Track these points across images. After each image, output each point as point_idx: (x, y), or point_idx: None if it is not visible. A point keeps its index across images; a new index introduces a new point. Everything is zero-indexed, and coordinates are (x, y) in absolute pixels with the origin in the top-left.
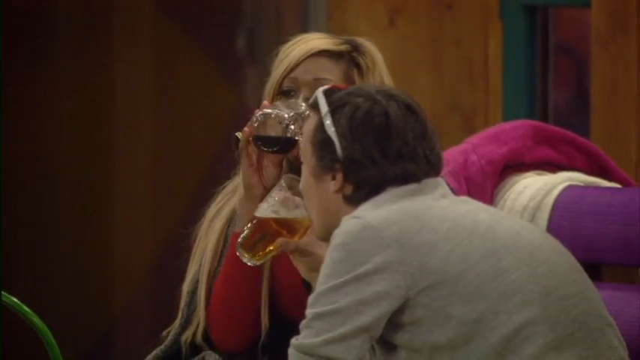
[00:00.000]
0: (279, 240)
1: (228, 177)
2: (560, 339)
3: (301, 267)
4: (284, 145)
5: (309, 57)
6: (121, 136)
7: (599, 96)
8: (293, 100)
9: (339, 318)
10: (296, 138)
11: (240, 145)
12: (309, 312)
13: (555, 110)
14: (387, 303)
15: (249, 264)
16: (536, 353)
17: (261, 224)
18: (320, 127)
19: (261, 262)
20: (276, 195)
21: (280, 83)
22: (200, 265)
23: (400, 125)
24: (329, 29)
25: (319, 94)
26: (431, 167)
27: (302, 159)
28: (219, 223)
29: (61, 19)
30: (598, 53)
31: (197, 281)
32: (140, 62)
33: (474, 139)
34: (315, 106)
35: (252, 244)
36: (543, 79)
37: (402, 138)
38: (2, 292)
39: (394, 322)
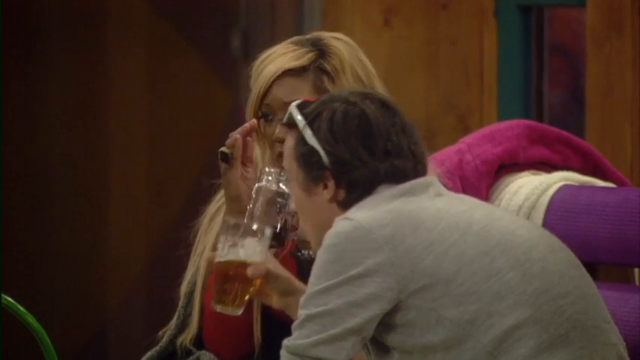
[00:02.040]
0: (249, 269)
1: None
2: (552, 339)
3: (274, 295)
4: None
5: (274, 81)
6: (116, 135)
7: (594, 96)
8: (275, 172)
9: (329, 319)
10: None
11: (233, 154)
12: (300, 313)
13: (550, 110)
14: (379, 305)
15: (238, 314)
16: (529, 354)
17: (220, 272)
18: (301, 140)
19: (244, 306)
20: (225, 238)
21: (257, 107)
22: (197, 268)
23: (380, 122)
24: (324, 29)
25: (293, 109)
26: (417, 161)
27: (288, 178)
28: (217, 226)
29: (55, 20)
30: (593, 53)
31: (194, 283)
32: (134, 62)
33: (468, 139)
34: (291, 123)
35: (224, 293)
36: (538, 79)
37: (385, 134)
38: None
39: (386, 323)
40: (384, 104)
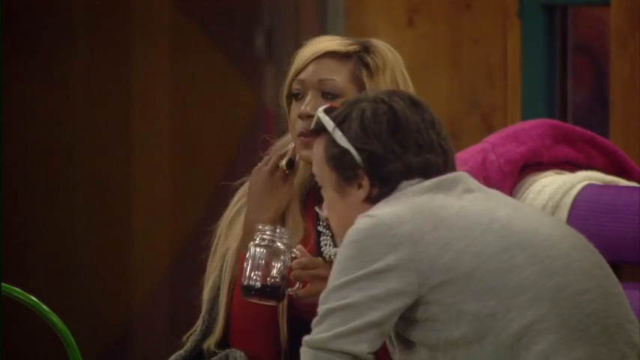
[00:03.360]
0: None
1: (247, 173)
2: (572, 334)
3: None
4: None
5: (315, 59)
6: (140, 135)
7: (618, 95)
8: (270, 228)
9: (350, 313)
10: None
11: (297, 159)
12: (320, 308)
13: (574, 109)
14: (400, 300)
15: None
16: (548, 349)
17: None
18: (331, 143)
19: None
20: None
21: (290, 85)
22: (221, 271)
23: (409, 117)
24: (347, 29)
25: (320, 114)
26: (447, 157)
27: (320, 183)
28: (238, 228)
29: (79, 19)
30: (617, 52)
31: (218, 288)
32: (158, 61)
33: (492, 139)
34: (319, 129)
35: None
36: (562, 78)
37: (415, 129)
38: (21, 291)
39: (410, 318)
40: (412, 101)
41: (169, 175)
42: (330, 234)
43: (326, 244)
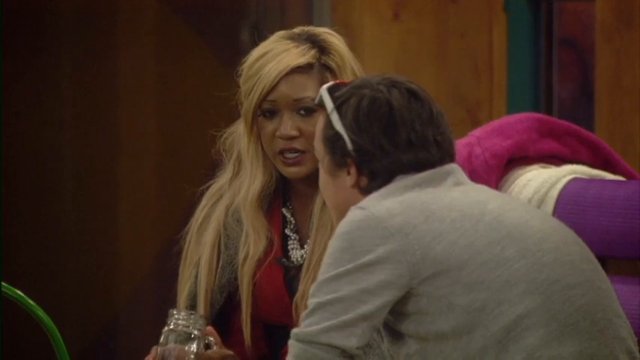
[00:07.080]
0: None
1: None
2: (562, 329)
3: None
4: None
5: (282, 78)
6: (126, 132)
7: (604, 89)
8: (185, 313)
9: (340, 306)
10: None
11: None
12: (310, 302)
13: (560, 103)
14: (390, 292)
15: None
16: (538, 343)
17: None
18: (328, 123)
19: None
20: None
21: (258, 105)
22: (196, 278)
23: (405, 114)
24: (333, 24)
25: (323, 92)
26: (444, 152)
27: (318, 158)
28: (209, 236)
29: (65, 15)
30: (602, 46)
31: (194, 297)
32: (144, 57)
33: (478, 132)
34: (321, 104)
35: None
36: (548, 72)
37: (410, 126)
38: (8, 286)
39: (400, 311)
40: (412, 93)
41: (156, 171)
42: (297, 237)
43: (293, 248)
